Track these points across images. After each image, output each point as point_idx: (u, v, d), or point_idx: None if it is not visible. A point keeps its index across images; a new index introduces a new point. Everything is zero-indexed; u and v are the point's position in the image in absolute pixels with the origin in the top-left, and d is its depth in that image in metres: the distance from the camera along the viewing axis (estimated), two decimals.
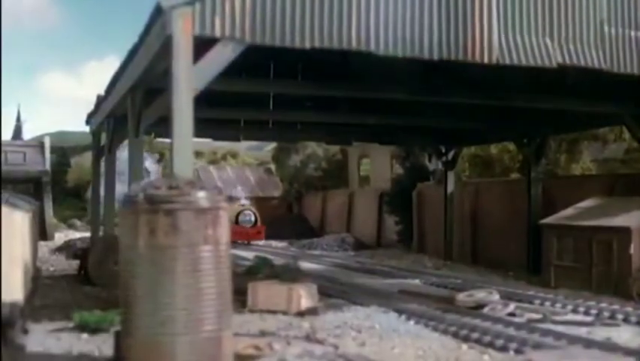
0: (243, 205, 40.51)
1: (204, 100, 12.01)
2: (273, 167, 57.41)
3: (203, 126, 20.77)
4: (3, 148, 38.63)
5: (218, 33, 11.12)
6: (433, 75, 19.02)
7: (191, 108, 10.80)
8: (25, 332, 10.58)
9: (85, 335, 11.80)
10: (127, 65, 15.15)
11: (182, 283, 8.39)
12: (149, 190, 8.62)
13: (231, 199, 43.50)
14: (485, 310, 14.68)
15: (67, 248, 30.04)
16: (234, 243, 35.44)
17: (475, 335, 12.03)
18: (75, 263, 23.00)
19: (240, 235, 37.70)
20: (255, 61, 16.63)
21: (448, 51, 12.67)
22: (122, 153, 25.72)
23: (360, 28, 12.01)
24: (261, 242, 43.79)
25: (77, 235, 39.04)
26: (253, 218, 39.63)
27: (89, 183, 45.94)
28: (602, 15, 13.89)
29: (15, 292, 8.83)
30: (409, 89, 19.25)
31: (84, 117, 24.73)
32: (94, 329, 11.92)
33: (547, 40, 13.38)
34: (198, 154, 60.15)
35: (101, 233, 22.80)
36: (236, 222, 38.29)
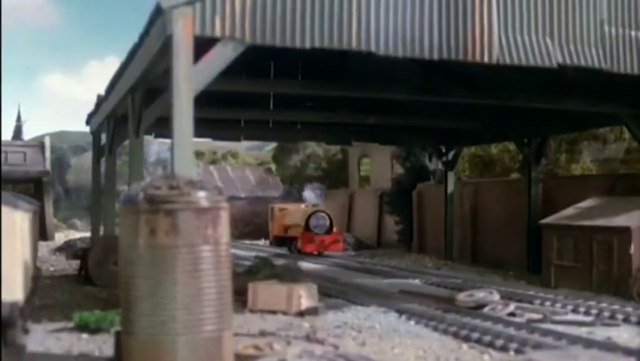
0: (314, 206, 32.49)
1: (205, 100, 12.02)
2: (273, 167, 57.45)
3: (204, 126, 20.82)
4: (3, 148, 38.64)
5: (218, 33, 11.12)
6: (433, 75, 19.04)
7: (192, 108, 10.80)
8: (26, 331, 10.57)
9: (85, 335, 11.80)
10: (127, 65, 15.15)
11: (183, 283, 8.39)
12: (149, 190, 8.62)
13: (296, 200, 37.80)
14: (485, 310, 14.68)
15: (67, 248, 30.06)
16: (302, 254, 30.42)
17: (475, 335, 12.03)
18: (75, 263, 23.02)
19: (312, 245, 30.64)
20: (256, 61, 16.64)
21: (448, 51, 12.67)
22: None
23: (361, 28, 12.01)
24: (261, 242, 39.78)
25: (77, 235, 39.05)
26: (328, 222, 31.24)
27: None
28: (603, 15, 13.89)
29: (15, 292, 8.83)
30: (409, 89, 19.26)
31: (84, 117, 24.77)
32: (94, 329, 11.92)
33: (548, 40, 13.38)
34: (198, 154, 60.18)
35: (101, 233, 22.80)
36: (307, 228, 30.97)
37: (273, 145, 59.85)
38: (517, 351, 10.95)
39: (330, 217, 31.28)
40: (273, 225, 35.80)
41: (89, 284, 18.46)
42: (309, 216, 31.01)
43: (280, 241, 34.47)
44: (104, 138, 22.35)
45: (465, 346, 11.50)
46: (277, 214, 35.43)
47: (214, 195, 8.79)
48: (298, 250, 31.26)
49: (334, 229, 31.45)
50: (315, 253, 30.60)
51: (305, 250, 30.56)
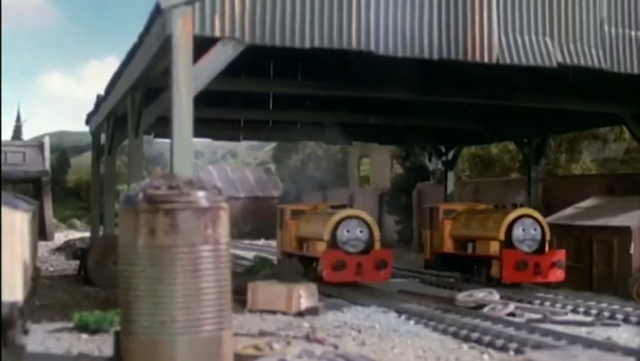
0: (517, 207, 19.91)
1: (204, 100, 12.01)
2: (272, 167, 57.45)
3: (204, 126, 20.81)
4: (3, 148, 38.61)
5: (218, 33, 11.12)
6: (433, 75, 19.03)
7: (191, 108, 10.80)
8: (25, 332, 10.56)
9: (85, 335, 11.79)
10: (127, 65, 15.15)
11: (182, 282, 8.38)
12: (148, 190, 8.61)
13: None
14: (485, 310, 14.67)
15: (67, 248, 30.04)
16: (497, 286, 17.79)
17: (475, 335, 12.02)
18: (75, 263, 23.00)
19: (521, 271, 18.15)
20: (255, 61, 16.64)
21: (448, 51, 12.67)
22: None
23: (361, 28, 12.01)
24: (260, 241, 38.03)
25: (77, 235, 39.02)
26: (541, 234, 18.91)
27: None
28: (602, 15, 13.89)
29: (15, 292, 8.82)
30: (408, 89, 19.26)
31: (84, 117, 24.76)
32: (94, 329, 11.90)
33: (548, 40, 13.37)
34: (198, 154, 60.20)
35: (101, 233, 22.79)
36: (508, 242, 18.82)
37: (272, 145, 59.88)
38: (517, 351, 10.95)
39: (542, 224, 18.91)
40: (435, 235, 22.52)
41: (89, 284, 18.45)
42: (512, 222, 18.86)
43: (447, 261, 21.71)
44: (103, 137, 22.34)
45: (465, 346, 11.50)
46: (444, 219, 22.11)
47: (214, 195, 8.78)
48: (490, 278, 19.04)
49: (547, 245, 18.84)
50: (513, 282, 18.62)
51: (508, 280, 18.51)
